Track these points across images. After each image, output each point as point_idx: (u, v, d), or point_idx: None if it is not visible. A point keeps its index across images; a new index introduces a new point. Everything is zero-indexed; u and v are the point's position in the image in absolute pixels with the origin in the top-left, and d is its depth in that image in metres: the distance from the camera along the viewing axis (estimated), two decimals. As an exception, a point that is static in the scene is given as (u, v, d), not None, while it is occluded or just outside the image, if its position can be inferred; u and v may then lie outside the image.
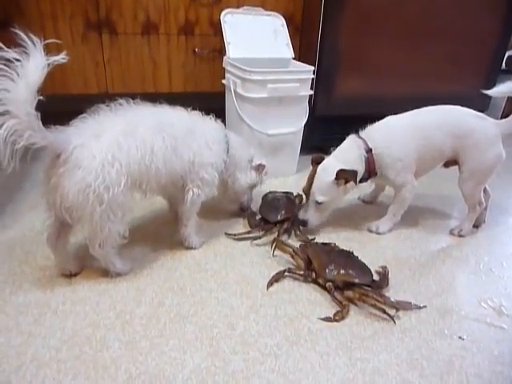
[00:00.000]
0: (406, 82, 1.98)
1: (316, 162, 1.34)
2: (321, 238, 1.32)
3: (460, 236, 1.40)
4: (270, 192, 1.49)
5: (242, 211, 1.42)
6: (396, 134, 1.32)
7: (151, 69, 1.81)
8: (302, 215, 1.33)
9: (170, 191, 1.18)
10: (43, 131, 0.87)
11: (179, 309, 1.01)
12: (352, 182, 1.27)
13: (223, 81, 1.72)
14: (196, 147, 1.10)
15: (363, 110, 1.94)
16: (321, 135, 1.94)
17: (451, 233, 1.41)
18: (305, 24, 1.94)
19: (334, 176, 1.25)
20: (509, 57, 2.92)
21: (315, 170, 1.31)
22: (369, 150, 1.30)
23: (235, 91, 1.59)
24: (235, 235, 1.30)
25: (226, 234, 1.32)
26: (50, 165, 0.93)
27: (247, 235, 1.31)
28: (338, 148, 1.34)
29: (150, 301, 1.03)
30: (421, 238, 1.38)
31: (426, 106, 1.36)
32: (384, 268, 1.15)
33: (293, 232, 1.35)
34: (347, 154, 1.31)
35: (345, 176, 1.25)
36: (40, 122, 0.86)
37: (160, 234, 1.31)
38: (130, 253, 1.19)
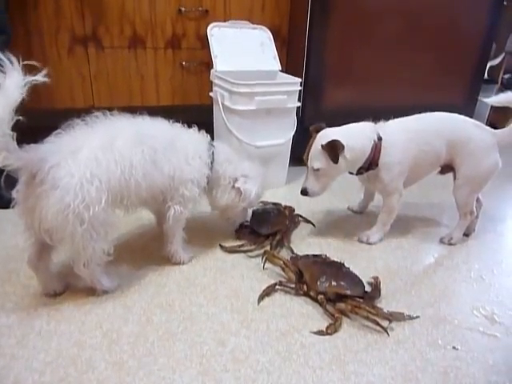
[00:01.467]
0: (394, 92, 2.00)
1: (316, 131, 1.31)
2: (311, 249, 1.31)
3: (450, 244, 1.40)
4: (260, 203, 1.48)
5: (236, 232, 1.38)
6: (401, 136, 1.30)
7: (138, 82, 1.81)
8: (302, 184, 1.30)
9: (153, 206, 1.16)
10: (18, 151, 0.84)
11: (168, 326, 0.98)
12: (349, 156, 1.23)
13: (211, 94, 1.72)
14: (176, 161, 1.07)
15: (351, 119, 1.95)
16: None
17: (441, 241, 1.41)
18: (291, 37, 1.96)
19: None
20: (491, 67, 2.98)
21: (314, 138, 1.29)
22: (380, 138, 1.27)
23: (223, 104, 1.59)
24: (227, 248, 1.29)
25: (220, 245, 1.31)
26: (26, 185, 0.90)
27: (239, 248, 1.29)
28: (349, 124, 1.30)
29: (137, 318, 1.00)
30: (411, 247, 1.38)
31: (413, 114, 1.37)
32: (376, 279, 1.14)
33: (285, 244, 1.34)
34: (357, 130, 1.28)
35: (331, 147, 1.21)
36: (15, 143, 0.83)
37: (148, 249, 1.29)
38: (116, 269, 1.16)
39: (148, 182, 1.02)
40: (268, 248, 1.29)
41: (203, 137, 1.20)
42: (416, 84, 2.02)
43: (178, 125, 1.16)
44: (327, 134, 1.26)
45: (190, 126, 1.20)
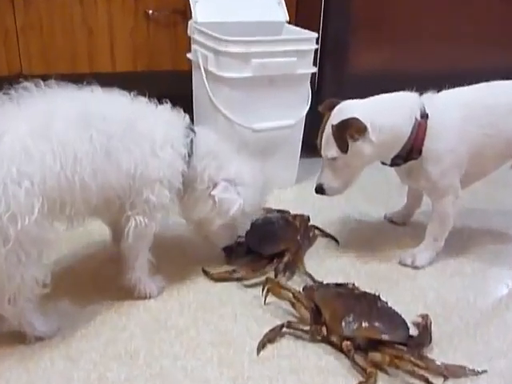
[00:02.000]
0: (448, 52, 2.02)
1: (328, 109, 1.34)
2: (333, 276, 1.33)
3: (531, 268, 1.42)
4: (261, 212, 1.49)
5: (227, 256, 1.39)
6: (456, 114, 1.31)
7: (85, 40, 1.83)
8: (317, 179, 1.34)
9: (107, 215, 1.16)
10: None
11: (129, 386, 1.00)
12: (377, 139, 1.24)
13: (189, 55, 1.74)
14: (138, 152, 1.08)
15: (388, 90, 1.97)
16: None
17: (518, 264, 1.43)
18: (304, -28, 1.98)
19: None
20: None
21: (328, 116, 1.32)
22: (425, 116, 1.28)
23: (206, 69, 1.61)
24: (214, 274, 1.31)
25: (203, 270, 1.33)
26: None
27: (230, 275, 1.30)
28: (380, 95, 1.33)
29: (85, 376, 1.01)
30: (475, 273, 1.40)
31: (475, 83, 1.38)
32: (424, 318, 1.15)
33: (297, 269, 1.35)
34: (390, 103, 1.31)
35: (340, 129, 1.24)
36: None
37: (100, 276, 1.30)
38: (56, 307, 1.17)
39: (99, 181, 1.03)
40: (271, 275, 1.30)
41: (178, 117, 1.21)
42: (481, 39, 2.04)
43: (143, 100, 1.17)
44: (344, 109, 1.29)
45: (159, 102, 1.21)
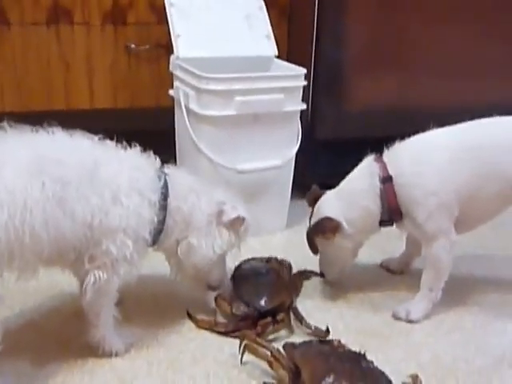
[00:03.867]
0: (453, 85, 2.03)
1: (314, 200, 1.48)
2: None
3: (539, 323, 1.41)
4: (245, 261, 1.50)
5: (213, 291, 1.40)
6: (434, 156, 1.37)
7: (62, 75, 1.87)
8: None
9: (64, 266, 1.17)
10: None
11: None
12: (351, 230, 1.38)
13: (171, 92, 1.77)
14: (97, 200, 1.08)
15: (393, 128, 1.97)
16: (326, 169, 1.97)
17: (525, 317, 1.42)
18: (294, 3, 2.02)
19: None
20: None
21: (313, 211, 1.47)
22: (387, 179, 1.35)
23: (187, 107, 1.64)
24: (199, 321, 1.34)
25: (188, 313, 1.35)
26: None
27: (215, 326, 1.33)
28: (348, 176, 1.45)
29: None
30: (477, 328, 1.39)
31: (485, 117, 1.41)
32: (415, 378, 1.14)
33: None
34: (354, 184, 1.43)
35: (318, 230, 1.40)
36: None
37: (65, 332, 1.30)
38: (14, 365, 1.17)
39: (52, 232, 1.03)
40: (256, 331, 1.28)
41: (148, 161, 1.23)
42: (488, 73, 2.06)
43: (108, 143, 1.19)
44: (320, 207, 1.45)
45: (142, 143, 1.24)
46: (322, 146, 1.95)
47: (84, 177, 1.08)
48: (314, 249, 1.45)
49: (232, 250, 1.34)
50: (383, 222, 1.40)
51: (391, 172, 1.36)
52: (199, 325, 1.34)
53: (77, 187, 1.06)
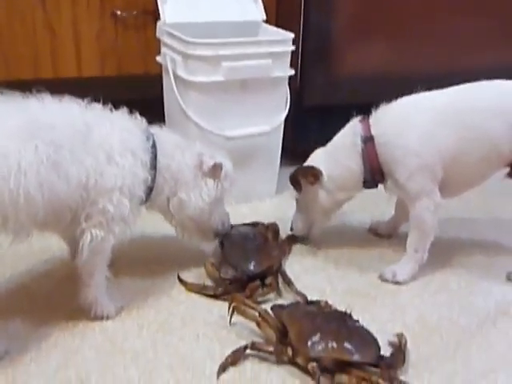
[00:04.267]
0: (442, 50, 2.02)
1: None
2: (309, 293, 1.34)
3: (523, 283, 1.43)
4: (233, 227, 1.51)
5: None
6: (418, 118, 1.39)
7: (48, 43, 1.85)
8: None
9: (58, 229, 1.19)
10: None
11: (77, 413, 1.02)
12: (330, 183, 1.45)
13: (158, 58, 1.77)
14: (91, 162, 1.11)
15: (381, 94, 1.98)
16: (315, 135, 1.97)
17: (509, 278, 1.45)
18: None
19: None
20: None
21: None
22: (368, 138, 1.39)
23: (175, 73, 1.63)
24: (189, 285, 1.36)
25: (178, 277, 1.37)
26: None
27: (205, 290, 1.35)
28: (335, 138, 1.51)
29: (32, 402, 1.03)
30: (462, 289, 1.41)
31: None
32: (400, 337, 1.17)
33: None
34: (338, 143, 1.48)
35: (301, 174, 1.48)
36: None
37: (56, 295, 1.32)
38: (6, 327, 1.19)
39: (46, 195, 1.05)
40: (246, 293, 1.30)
41: (135, 122, 1.25)
42: (477, 37, 2.04)
43: (97, 106, 1.21)
44: (307, 162, 1.52)
45: (131, 111, 1.25)
46: (310, 113, 1.95)
47: (77, 140, 1.10)
48: (299, 187, 1.50)
49: (224, 195, 1.40)
50: (367, 183, 1.43)
51: (373, 132, 1.39)
52: (189, 288, 1.37)
53: (70, 150, 1.08)
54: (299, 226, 1.56)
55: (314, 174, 1.45)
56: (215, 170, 1.34)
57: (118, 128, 1.19)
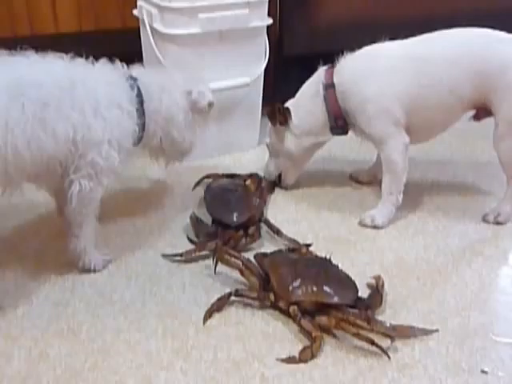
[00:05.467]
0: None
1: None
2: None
3: (497, 223, 1.48)
4: (214, 181, 1.56)
5: None
6: (374, 66, 1.45)
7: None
8: None
9: (49, 183, 1.21)
10: None
11: (70, 361, 1.06)
12: (296, 123, 1.52)
13: (135, 11, 1.76)
14: (77, 117, 1.12)
15: (362, 42, 1.98)
16: (296, 85, 1.97)
17: (484, 219, 1.49)
18: None
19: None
20: None
21: None
22: (329, 86, 1.44)
23: (151, 27, 1.63)
24: (181, 255, 1.33)
25: (163, 255, 1.35)
26: None
27: (199, 253, 1.34)
28: (305, 84, 1.57)
29: (26, 353, 1.07)
30: (439, 231, 1.46)
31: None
32: (377, 279, 1.22)
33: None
34: (304, 90, 1.55)
35: (270, 112, 1.54)
36: None
37: (45, 252, 1.36)
38: (-3, 284, 1.24)
39: (34, 151, 1.07)
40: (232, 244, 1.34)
41: (118, 73, 1.26)
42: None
43: (80, 61, 1.21)
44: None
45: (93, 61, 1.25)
46: (291, 62, 1.95)
47: (62, 96, 1.11)
48: (274, 120, 1.56)
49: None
50: (333, 130, 1.49)
51: (335, 80, 1.44)
52: (182, 259, 1.34)
53: (56, 106, 1.09)
54: (270, 170, 1.63)
55: (285, 114, 1.52)
56: (208, 108, 1.38)
57: (102, 81, 1.21)
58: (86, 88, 1.16)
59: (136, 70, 1.33)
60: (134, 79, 1.28)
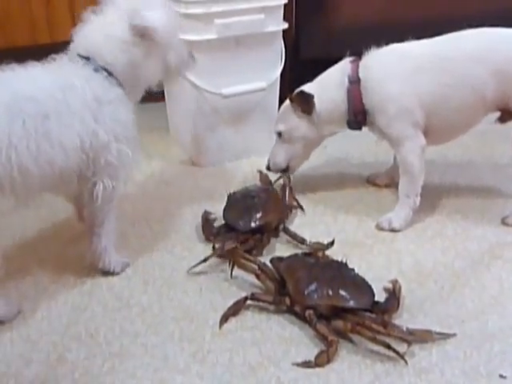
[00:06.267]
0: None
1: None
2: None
3: (517, 226, 1.46)
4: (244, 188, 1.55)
5: None
6: (400, 64, 1.43)
7: (43, 7, 1.86)
8: None
9: (67, 191, 1.23)
10: None
11: (88, 365, 1.07)
12: (319, 111, 1.48)
13: (152, 18, 1.76)
14: (80, 126, 1.12)
15: (379, 43, 1.97)
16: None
17: (504, 222, 1.48)
18: None
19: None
20: None
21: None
22: (355, 80, 1.43)
23: (169, 33, 1.64)
24: (204, 261, 1.31)
25: (189, 270, 1.32)
26: None
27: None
28: (325, 73, 1.55)
29: (45, 357, 1.09)
30: (458, 234, 1.45)
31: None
32: (394, 283, 1.21)
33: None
34: (327, 79, 1.53)
35: (297, 100, 1.50)
36: None
37: (64, 256, 1.37)
38: (16, 288, 1.25)
39: (43, 166, 1.08)
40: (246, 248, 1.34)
41: (84, 66, 1.19)
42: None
43: (56, 63, 1.19)
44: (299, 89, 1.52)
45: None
46: (307, 66, 1.94)
47: (60, 105, 1.11)
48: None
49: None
50: (350, 123, 1.48)
51: (361, 75, 1.43)
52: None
53: (57, 116, 1.09)
54: (279, 160, 1.58)
55: (310, 104, 1.48)
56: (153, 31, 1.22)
57: (86, 83, 1.16)
58: (77, 95, 1.14)
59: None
60: (94, 60, 1.20)
